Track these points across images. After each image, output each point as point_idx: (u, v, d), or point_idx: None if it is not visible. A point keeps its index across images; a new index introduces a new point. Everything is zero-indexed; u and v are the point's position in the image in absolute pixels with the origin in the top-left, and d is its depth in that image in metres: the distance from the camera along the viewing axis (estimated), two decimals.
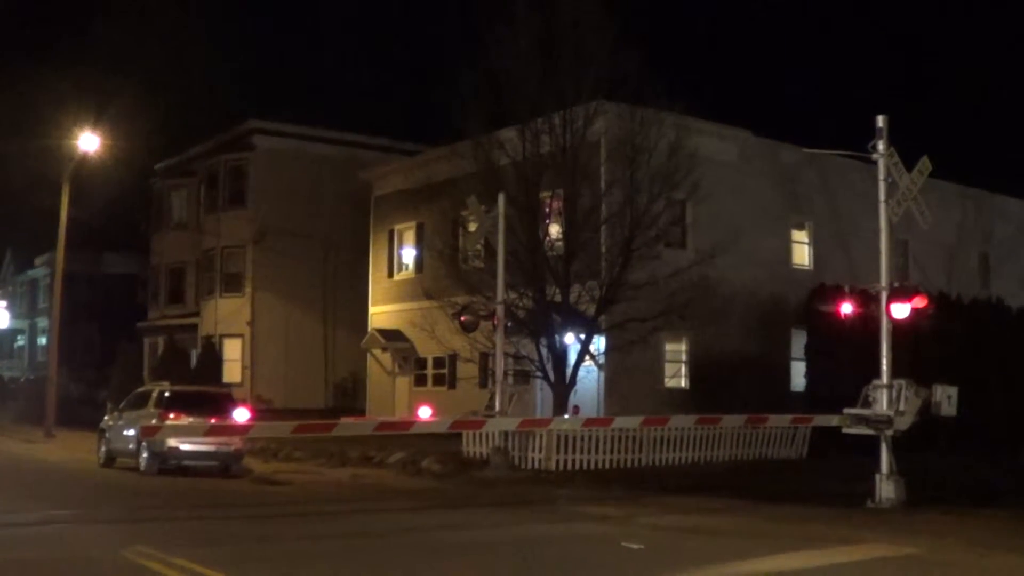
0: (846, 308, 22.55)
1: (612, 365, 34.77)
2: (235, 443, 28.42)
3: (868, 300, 22.07)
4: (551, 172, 32.15)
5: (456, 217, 36.40)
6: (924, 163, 22.20)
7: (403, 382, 45.94)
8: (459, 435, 30.51)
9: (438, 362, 43.38)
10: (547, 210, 32.94)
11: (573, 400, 32.42)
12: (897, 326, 21.57)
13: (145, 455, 28.21)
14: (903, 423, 21.33)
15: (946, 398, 21.53)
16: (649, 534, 17.82)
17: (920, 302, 21.49)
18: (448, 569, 14.58)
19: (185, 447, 27.91)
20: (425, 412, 27.30)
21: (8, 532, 16.58)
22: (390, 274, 47.78)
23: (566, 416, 29.90)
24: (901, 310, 21.30)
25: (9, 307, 79.80)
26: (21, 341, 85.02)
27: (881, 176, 21.92)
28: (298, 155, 54.18)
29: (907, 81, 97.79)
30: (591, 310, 32.22)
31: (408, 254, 47.03)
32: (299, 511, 21.60)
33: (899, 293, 21.52)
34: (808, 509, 20.80)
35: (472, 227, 31.49)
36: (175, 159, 61.63)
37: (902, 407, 21.29)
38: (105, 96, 57.44)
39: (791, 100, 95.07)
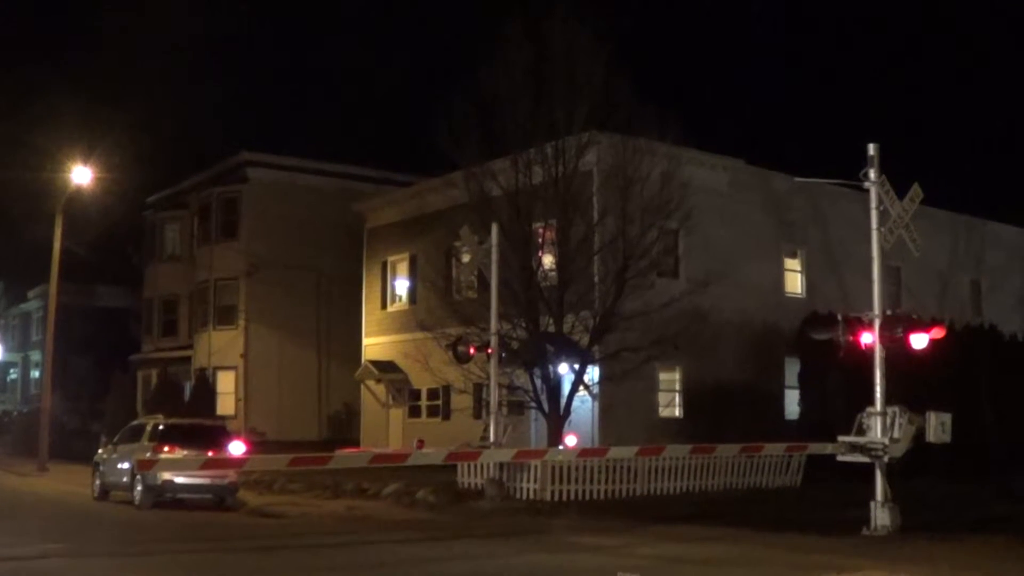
0: (839, 336, 22.51)
1: (606, 395, 34.75)
2: (230, 476, 28.34)
3: (861, 327, 22.09)
4: (544, 202, 32.20)
5: (449, 248, 36.44)
6: (915, 190, 22.30)
7: (397, 413, 45.88)
8: (453, 466, 30.48)
9: (432, 393, 43.30)
10: (540, 240, 32.98)
11: (568, 430, 32.38)
12: (891, 353, 21.62)
13: (140, 488, 28.18)
14: (897, 450, 21.37)
15: (940, 425, 21.56)
16: (645, 564, 17.81)
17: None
18: None
19: (180, 480, 27.86)
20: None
21: (3, 567, 16.54)
22: (383, 305, 47.76)
23: (561, 447, 29.84)
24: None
25: (2, 340, 79.69)
26: (14, 374, 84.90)
27: (873, 204, 22.01)
28: (291, 187, 54.23)
29: (898, 108, 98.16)
30: (585, 340, 32.24)
31: (401, 285, 47.02)
32: (294, 544, 21.57)
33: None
34: (804, 537, 20.79)
35: (465, 258, 31.52)
36: (168, 191, 61.72)
37: (896, 434, 21.33)
38: (98, 128, 57.67)
39: (783, 128, 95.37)
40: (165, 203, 61.61)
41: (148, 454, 27.44)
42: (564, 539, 21.63)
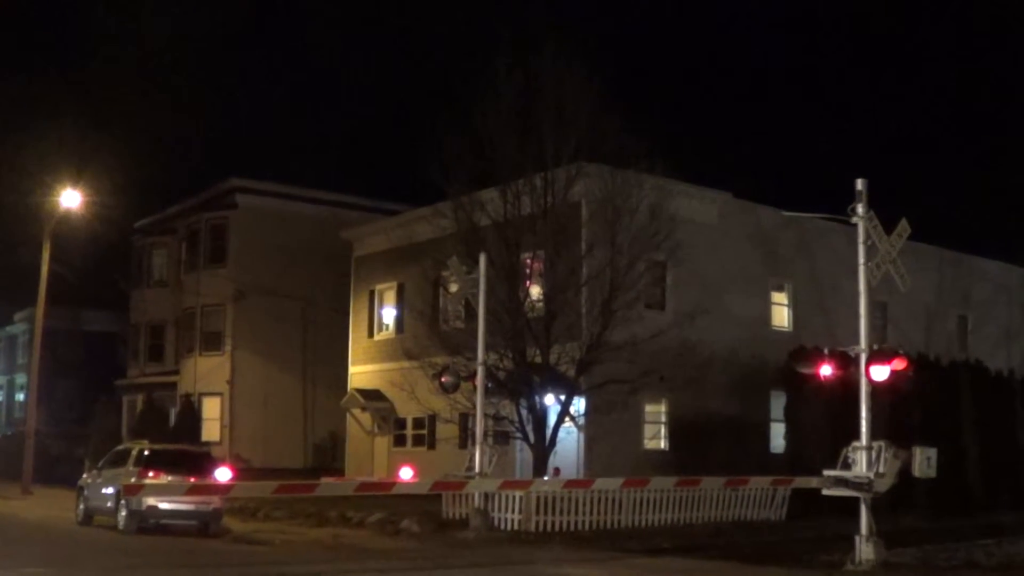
0: (825, 370, 22.59)
1: (592, 426, 34.72)
2: (215, 503, 28.27)
3: (847, 362, 22.15)
4: (532, 233, 32.26)
5: (437, 278, 36.43)
6: (903, 226, 22.37)
7: (382, 442, 45.79)
8: (438, 496, 30.43)
9: (418, 422, 43.22)
10: (528, 271, 33.02)
11: (553, 461, 32.41)
12: (876, 388, 21.67)
13: (124, 513, 28.11)
14: (882, 485, 21.39)
15: (925, 459, 21.60)
16: None
17: (899, 364, 21.59)
18: None
19: (164, 506, 27.78)
20: (407, 473, 27.26)
21: None
22: (370, 334, 47.71)
23: (546, 477, 29.83)
24: (880, 372, 21.41)
25: None
26: None
27: (860, 239, 22.10)
28: (279, 214, 54.29)
29: (886, 143, 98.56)
30: (571, 371, 32.23)
31: (389, 314, 46.99)
32: (278, 572, 21.51)
33: (878, 356, 21.63)
34: (788, 571, 20.81)
35: (453, 288, 31.53)
36: (156, 217, 61.70)
37: (881, 469, 21.36)
38: (87, 153, 57.65)
39: (771, 162, 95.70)
40: (153, 228, 61.57)
41: (133, 479, 27.39)
42: (548, 570, 21.61)
